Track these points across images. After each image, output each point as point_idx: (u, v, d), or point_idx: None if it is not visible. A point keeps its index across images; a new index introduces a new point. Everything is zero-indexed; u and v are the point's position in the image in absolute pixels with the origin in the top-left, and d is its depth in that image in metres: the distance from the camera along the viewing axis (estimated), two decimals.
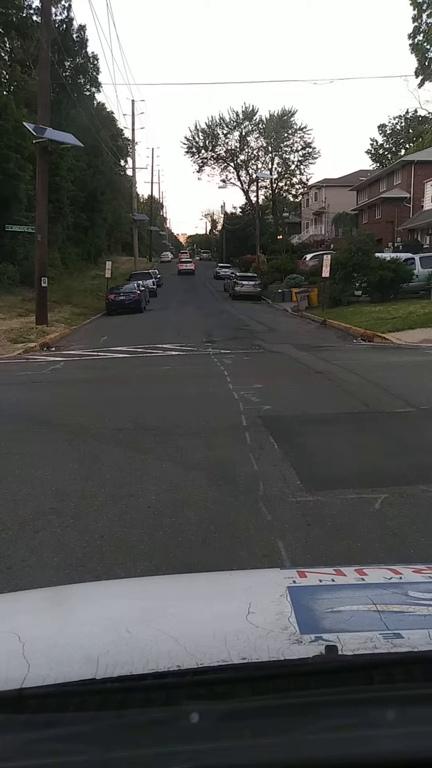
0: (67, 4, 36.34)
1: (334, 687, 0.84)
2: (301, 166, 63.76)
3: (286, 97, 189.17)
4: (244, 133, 63.55)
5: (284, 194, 66.60)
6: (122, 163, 54.03)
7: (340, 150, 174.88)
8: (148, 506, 4.29)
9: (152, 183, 77.82)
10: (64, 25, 35.31)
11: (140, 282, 30.23)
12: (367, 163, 63.65)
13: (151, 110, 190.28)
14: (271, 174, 61.67)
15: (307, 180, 63.22)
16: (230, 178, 65.70)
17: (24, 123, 21.31)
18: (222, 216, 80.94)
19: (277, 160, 63.80)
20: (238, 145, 64.15)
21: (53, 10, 27.45)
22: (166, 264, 68.94)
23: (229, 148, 64.62)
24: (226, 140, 64.36)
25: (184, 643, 0.93)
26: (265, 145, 63.63)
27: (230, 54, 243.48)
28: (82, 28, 37.44)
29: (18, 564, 3.48)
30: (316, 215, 57.44)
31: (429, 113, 50.08)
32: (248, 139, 63.83)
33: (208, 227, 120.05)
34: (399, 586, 1.19)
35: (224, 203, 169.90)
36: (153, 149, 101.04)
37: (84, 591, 1.54)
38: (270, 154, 63.95)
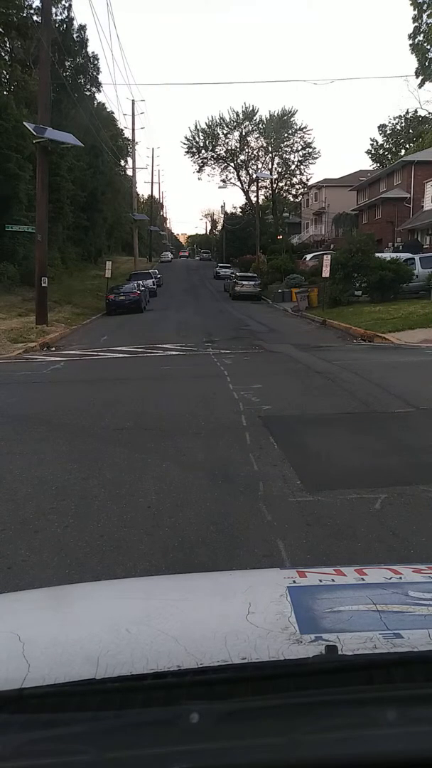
0: (67, 4, 36.40)
1: (334, 687, 0.84)
2: (301, 166, 63.95)
3: (286, 97, 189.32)
4: (244, 133, 63.67)
5: (284, 194, 66.64)
6: (122, 163, 54.12)
7: (340, 150, 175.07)
8: (148, 506, 4.29)
9: (152, 183, 78.19)
10: (64, 25, 35.31)
11: (140, 282, 30.25)
12: (367, 163, 63.75)
13: (152, 110, 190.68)
14: (271, 174, 61.72)
15: (307, 180, 63.35)
16: (230, 178, 65.83)
17: (24, 123, 21.33)
18: (222, 216, 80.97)
19: (277, 160, 63.95)
20: (238, 145, 64.27)
21: (53, 10, 27.46)
22: (166, 264, 68.71)
23: (229, 148, 64.75)
24: (226, 140, 64.52)
25: (184, 643, 0.93)
26: (265, 145, 63.76)
27: (230, 54, 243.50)
28: (82, 28, 37.50)
29: (18, 564, 3.48)
30: (316, 215, 57.43)
31: (429, 113, 50.06)
32: (248, 139, 64.00)
33: (208, 227, 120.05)
34: (399, 586, 1.19)
35: (224, 203, 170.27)
36: (153, 149, 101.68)
37: (84, 591, 1.54)
38: (270, 154, 64.07)
